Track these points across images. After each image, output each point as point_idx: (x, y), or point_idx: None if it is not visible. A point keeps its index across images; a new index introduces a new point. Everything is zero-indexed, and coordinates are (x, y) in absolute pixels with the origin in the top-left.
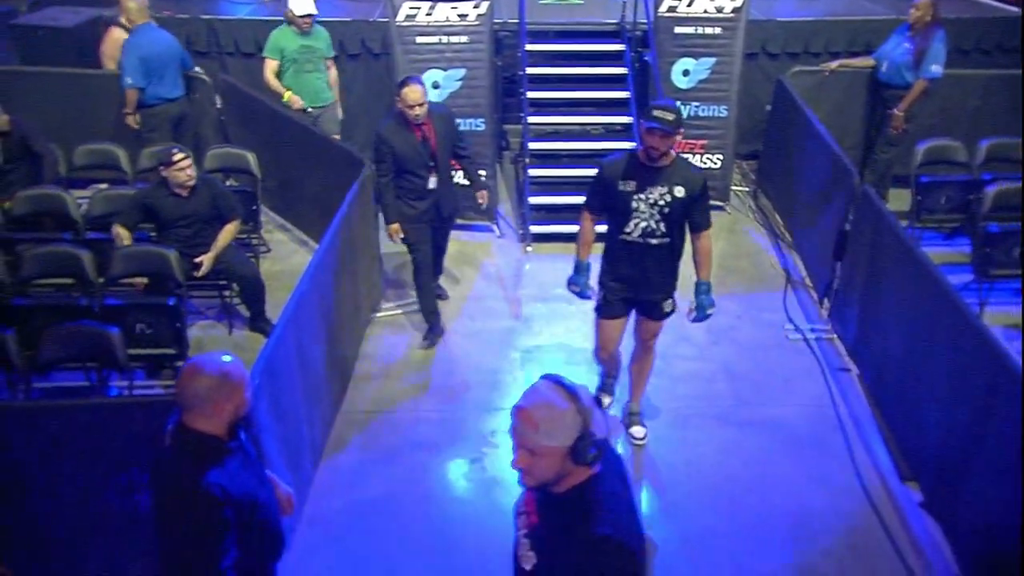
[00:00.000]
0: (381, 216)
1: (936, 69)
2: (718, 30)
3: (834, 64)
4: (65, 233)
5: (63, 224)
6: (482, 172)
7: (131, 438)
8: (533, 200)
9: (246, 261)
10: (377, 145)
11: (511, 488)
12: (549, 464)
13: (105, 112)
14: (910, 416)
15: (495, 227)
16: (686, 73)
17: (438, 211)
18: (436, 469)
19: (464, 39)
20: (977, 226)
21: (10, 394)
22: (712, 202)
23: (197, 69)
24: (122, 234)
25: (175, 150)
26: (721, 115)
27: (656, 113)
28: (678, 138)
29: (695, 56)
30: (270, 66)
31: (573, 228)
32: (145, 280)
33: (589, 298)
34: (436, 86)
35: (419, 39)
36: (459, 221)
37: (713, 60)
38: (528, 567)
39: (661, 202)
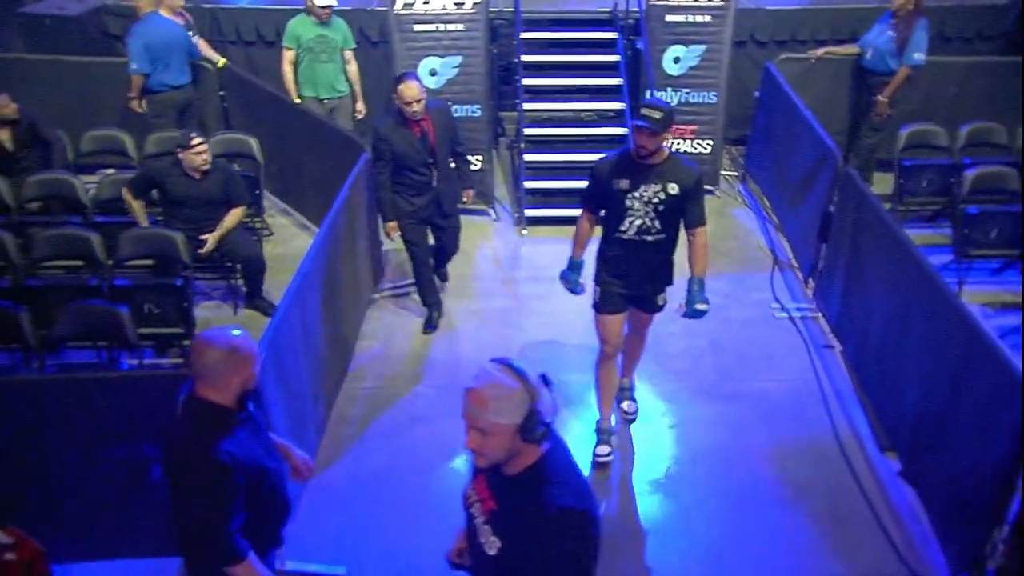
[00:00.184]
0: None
1: (919, 56)
2: (708, 18)
3: (820, 52)
4: (74, 216)
5: (72, 208)
6: (478, 158)
7: (140, 410)
8: (528, 184)
9: (250, 243)
10: (375, 143)
11: None
12: (500, 443)
13: (111, 99)
14: (889, 390)
15: (492, 211)
16: (677, 60)
17: (439, 207)
18: (434, 442)
19: (461, 27)
20: (957, 208)
21: (25, 370)
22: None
23: (218, 57)
24: (131, 202)
25: (194, 134)
26: (711, 101)
27: (644, 111)
28: (668, 135)
29: (685, 44)
30: (287, 56)
31: (567, 212)
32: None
33: (579, 294)
34: (433, 73)
35: (416, 27)
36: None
37: (703, 48)
38: (493, 552)
39: (655, 200)
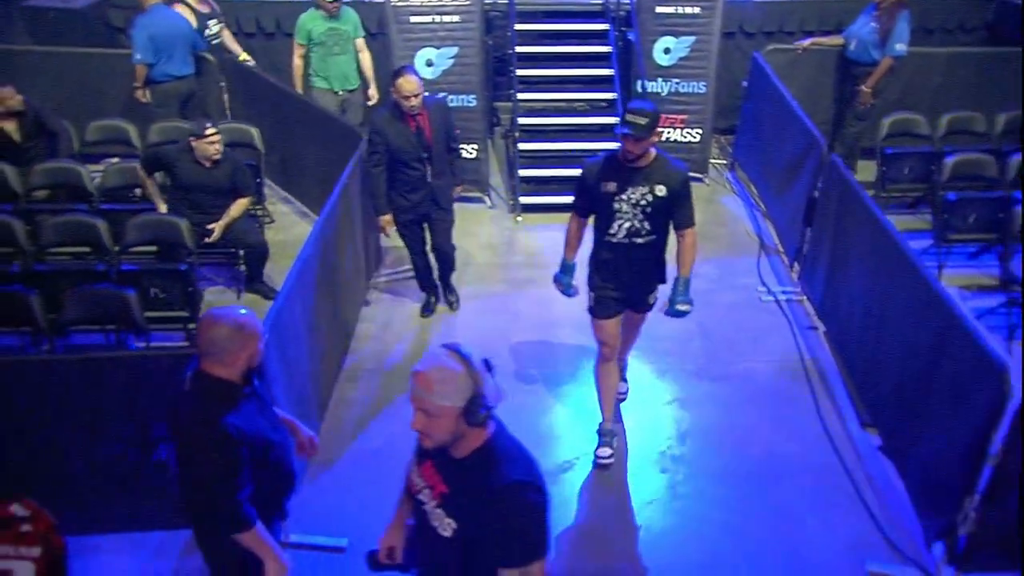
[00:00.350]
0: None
1: (901, 48)
2: (697, 10)
3: (806, 43)
4: (80, 204)
5: (78, 196)
6: (474, 147)
7: (147, 390)
8: (523, 173)
9: (254, 230)
10: (370, 135)
11: None
12: (445, 425)
13: (114, 90)
14: (871, 369)
15: (487, 199)
16: (667, 51)
17: (435, 202)
18: None
19: (456, 18)
20: (937, 195)
21: (36, 352)
22: (691, 174)
23: (241, 51)
24: (146, 180)
25: (209, 124)
26: (700, 91)
27: (628, 118)
28: (655, 138)
29: (676, 35)
30: (298, 51)
31: (560, 199)
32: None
33: (573, 296)
34: (429, 64)
35: (413, 19)
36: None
37: (693, 39)
38: (448, 533)
39: (643, 202)
